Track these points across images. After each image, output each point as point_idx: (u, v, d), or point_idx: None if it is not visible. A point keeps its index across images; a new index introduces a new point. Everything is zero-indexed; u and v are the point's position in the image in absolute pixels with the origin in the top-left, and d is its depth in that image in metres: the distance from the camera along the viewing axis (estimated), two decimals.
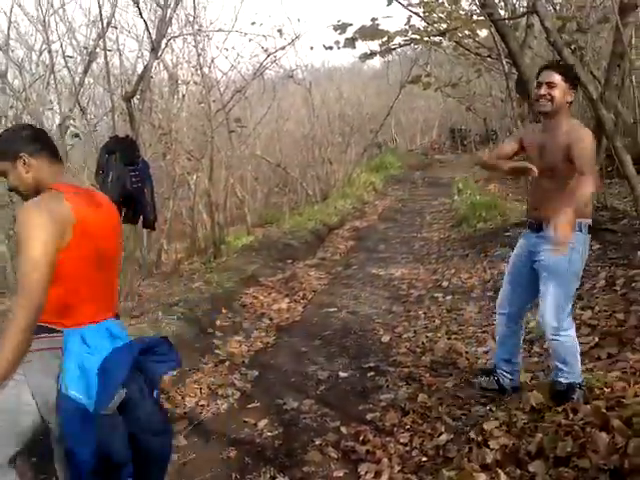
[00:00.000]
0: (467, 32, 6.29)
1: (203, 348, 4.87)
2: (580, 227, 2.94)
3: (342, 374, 4.16)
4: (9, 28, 7.65)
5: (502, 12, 6.78)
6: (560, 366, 3.09)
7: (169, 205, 9.45)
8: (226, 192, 10.54)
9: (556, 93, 2.93)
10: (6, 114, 7.32)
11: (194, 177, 9.82)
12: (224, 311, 5.66)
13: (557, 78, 2.94)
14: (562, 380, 3.08)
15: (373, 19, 5.57)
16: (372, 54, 5.86)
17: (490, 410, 3.19)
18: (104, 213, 2.14)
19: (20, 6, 7.67)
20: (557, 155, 2.95)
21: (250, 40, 10.17)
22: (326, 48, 5.95)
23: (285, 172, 13.39)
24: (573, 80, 3.06)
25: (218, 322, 5.43)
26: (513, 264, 3.36)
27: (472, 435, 2.91)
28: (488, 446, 2.76)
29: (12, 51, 7.82)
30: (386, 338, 4.76)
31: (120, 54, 7.79)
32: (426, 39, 6.04)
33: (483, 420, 3.03)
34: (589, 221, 3.03)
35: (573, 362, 3.08)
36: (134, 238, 6.81)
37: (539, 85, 3.01)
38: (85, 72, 6.87)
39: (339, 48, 5.68)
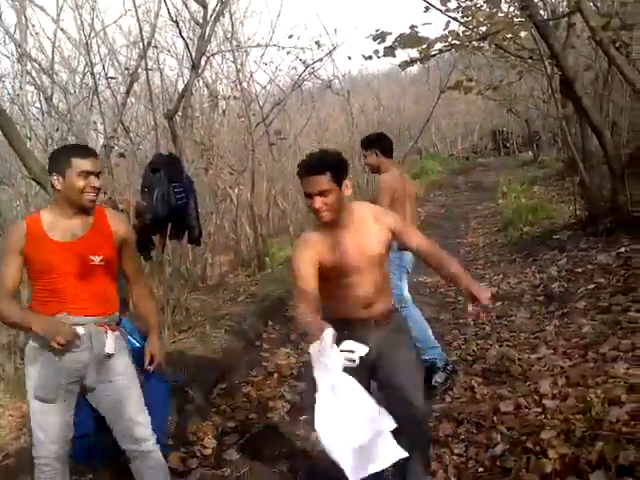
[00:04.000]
0: (508, 35, 6.20)
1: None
2: None
3: None
4: (53, 52, 7.81)
5: (542, 13, 6.66)
6: None
7: (212, 219, 9.55)
8: (268, 204, 10.58)
9: None
10: (52, 136, 7.45)
11: (236, 190, 9.90)
12: (270, 323, 5.69)
13: None
14: None
15: (412, 27, 5.53)
16: (412, 61, 5.82)
17: (546, 418, 3.10)
18: None
19: (63, 30, 7.81)
20: None
21: (288, 53, 10.25)
22: (365, 58, 5.92)
23: None
24: None
25: (265, 335, 5.46)
26: None
27: (529, 445, 2.83)
28: (547, 456, 2.68)
29: (56, 74, 7.96)
30: None
31: (161, 73, 7.90)
32: (467, 44, 5.96)
33: (540, 429, 2.94)
34: None
35: None
36: (180, 253, 6.90)
37: None
38: (127, 92, 6.93)
39: (379, 57, 5.65)
